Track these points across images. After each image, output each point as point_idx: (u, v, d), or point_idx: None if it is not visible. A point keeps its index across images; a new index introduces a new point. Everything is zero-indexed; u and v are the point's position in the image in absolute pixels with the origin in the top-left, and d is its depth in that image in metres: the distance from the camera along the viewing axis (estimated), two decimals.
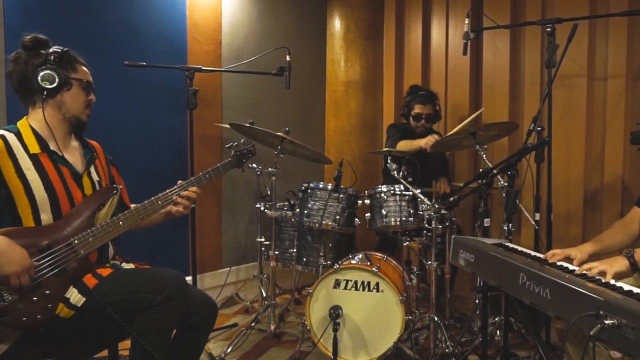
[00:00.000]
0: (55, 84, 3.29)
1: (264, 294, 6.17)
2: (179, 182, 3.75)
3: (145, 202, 3.54)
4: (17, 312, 2.95)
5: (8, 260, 2.88)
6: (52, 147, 3.35)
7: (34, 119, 3.38)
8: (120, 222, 3.39)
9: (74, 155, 3.49)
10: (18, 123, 3.37)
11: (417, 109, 6.33)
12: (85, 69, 3.54)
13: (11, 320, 2.96)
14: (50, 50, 3.35)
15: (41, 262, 3.05)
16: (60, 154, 3.37)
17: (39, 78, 3.25)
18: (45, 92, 3.29)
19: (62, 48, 3.39)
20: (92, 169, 3.58)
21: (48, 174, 3.25)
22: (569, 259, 3.48)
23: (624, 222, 3.92)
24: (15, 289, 2.94)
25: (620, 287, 2.74)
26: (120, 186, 3.64)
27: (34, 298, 3.00)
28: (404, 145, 6.13)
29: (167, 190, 3.65)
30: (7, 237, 2.96)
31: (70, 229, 3.21)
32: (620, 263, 3.13)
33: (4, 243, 2.92)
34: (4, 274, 2.87)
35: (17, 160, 3.17)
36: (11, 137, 3.22)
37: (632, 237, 3.82)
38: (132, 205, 3.59)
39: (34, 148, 3.27)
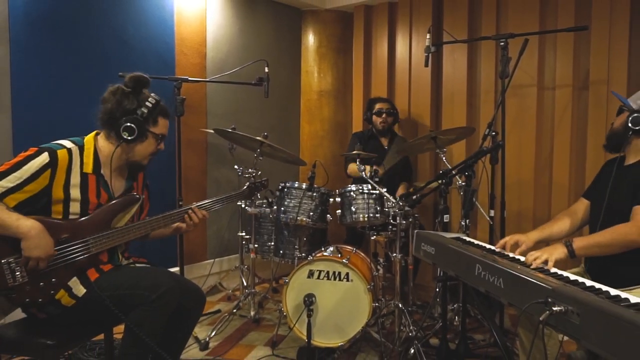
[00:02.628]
0: (133, 137, 3.31)
1: (245, 283, 6.13)
2: (194, 203, 3.77)
3: (159, 215, 3.56)
4: (23, 293, 3.01)
5: (37, 245, 2.94)
6: (103, 171, 3.36)
7: (102, 145, 3.41)
8: (134, 230, 3.40)
9: (117, 182, 3.48)
10: (86, 138, 3.39)
11: (378, 106, 6.53)
12: (165, 120, 3.55)
13: (15, 298, 3.02)
14: (144, 99, 3.37)
15: (57, 253, 3.07)
16: (107, 179, 3.37)
17: (122, 127, 3.27)
18: (121, 140, 3.31)
19: (155, 100, 3.39)
20: None
21: (88, 195, 3.26)
22: (517, 245, 3.49)
23: (569, 212, 3.94)
24: (30, 270, 2.98)
25: (567, 277, 2.75)
26: (143, 196, 3.62)
27: (41, 284, 3.05)
28: (352, 168, 6.24)
29: (182, 209, 3.66)
30: (41, 224, 2.99)
31: (90, 228, 3.22)
32: (559, 250, 3.16)
33: (39, 229, 2.97)
34: (29, 255, 2.93)
35: (70, 176, 3.20)
36: (75, 152, 3.27)
37: (575, 226, 3.85)
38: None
39: (88, 168, 3.29)
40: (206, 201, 3.82)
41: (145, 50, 5.90)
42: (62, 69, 5.16)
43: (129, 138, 3.30)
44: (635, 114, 3.34)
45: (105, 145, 3.39)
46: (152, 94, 3.41)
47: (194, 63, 6.45)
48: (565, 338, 2.53)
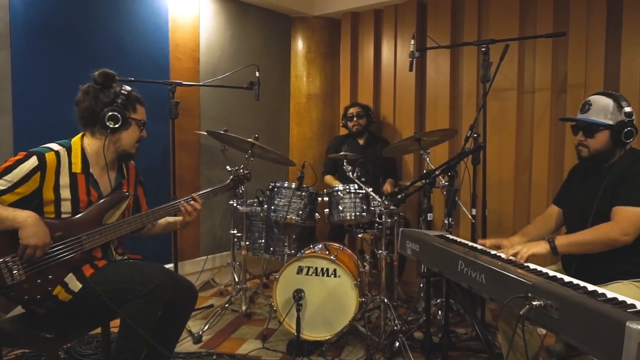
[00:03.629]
0: (118, 124, 3.34)
1: (237, 279, 6.12)
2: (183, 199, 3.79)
3: (149, 210, 3.58)
4: (21, 291, 3.02)
5: (33, 233, 2.96)
6: (92, 170, 3.38)
7: (88, 144, 3.42)
8: (125, 225, 3.41)
9: (107, 179, 3.49)
10: (72, 139, 3.40)
11: (349, 111, 6.70)
12: (142, 108, 3.57)
13: (14, 296, 3.04)
14: (118, 90, 3.41)
15: (52, 250, 3.09)
16: (96, 177, 3.39)
17: (106, 118, 3.31)
18: (109, 131, 3.35)
19: (127, 90, 3.44)
20: None
21: (78, 194, 3.28)
22: (499, 247, 3.50)
23: (544, 217, 3.96)
24: (25, 264, 2.99)
25: (546, 273, 2.75)
26: (131, 193, 3.61)
27: (38, 281, 3.06)
28: (328, 180, 6.66)
29: (170, 203, 3.66)
30: (37, 215, 3.03)
31: (82, 225, 3.24)
32: (541, 246, 3.17)
33: (35, 218, 3.00)
34: (26, 243, 2.95)
35: (59, 177, 3.21)
36: (63, 154, 3.28)
37: (550, 230, 3.86)
38: None
39: (77, 168, 3.30)
40: (191, 195, 3.78)
41: (141, 55, 5.90)
42: (61, 73, 5.14)
43: (116, 126, 3.33)
44: (626, 129, 3.31)
45: (92, 143, 3.41)
46: (122, 86, 3.45)
47: (188, 68, 6.43)
48: (543, 331, 2.53)
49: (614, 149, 3.39)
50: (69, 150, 3.30)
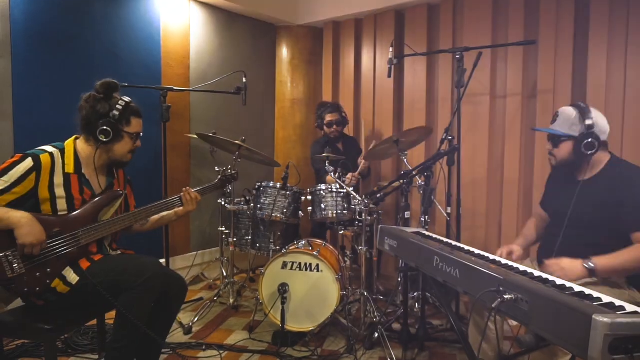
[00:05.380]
0: (109, 138, 3.35)
1: (225, 274, 6.10)
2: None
3: (142, 208, 3.60)
4: (21, 283, 3.07)
5: (28, 232, 3.00)
6: (84, 171, 3.39)
7: (82, 148, 3.44)
8: (118, 222, 3.44)
9: (99, 179, 3.50)
10: (66, 142, 3.41)
11: (328, 118, 6.44)
12: (138, 120, 3.55)
13: (15, 288, 3.07)
14: (116, 101, 3.39)
15: (50, 245, 3.11)
16: (88, 178, 3.40)
17: (97, 132, 3.32)
18: (99, 143, 3.36)
19: (125, 102, 3.42)
20: None
21: (72, 192, 3.30)
22: (511, 253, 3.51)
23: (536, 219, 3.95)
24: (24, 258, 3.04)
25: (517, 268, 2.74)
26: (125, 191, 3.64)
27: (37, 274, 3.10)
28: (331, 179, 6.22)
29: (161, 201, 3.71)
30: (31, 214, 3.06)
31: (78, 222, 3.27)
32: (579, 270, 3.06)
33: (29, 218, 3.04)
34: (22, 242, 2.99)
35: (54, 177, 3.23)
36: (57, 155, 3.31)
37: (541, 231, 3.86)
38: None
39: (69, 168, 3.32)
40: (184, 192, 3.83)
41: (134, 62, 5.87)
42: (59, 79, 5.12)
43: (106, 140, 3.34)
44: (585, 141, 3.29)
45: (85, 147, 3.42)
46: (122, 97, 3.44)
47: (179, 74, 6.40)
48: (514, 323, 2.52)
49: (580, 159, 3.36)
50: (62, 152, 3.32)
